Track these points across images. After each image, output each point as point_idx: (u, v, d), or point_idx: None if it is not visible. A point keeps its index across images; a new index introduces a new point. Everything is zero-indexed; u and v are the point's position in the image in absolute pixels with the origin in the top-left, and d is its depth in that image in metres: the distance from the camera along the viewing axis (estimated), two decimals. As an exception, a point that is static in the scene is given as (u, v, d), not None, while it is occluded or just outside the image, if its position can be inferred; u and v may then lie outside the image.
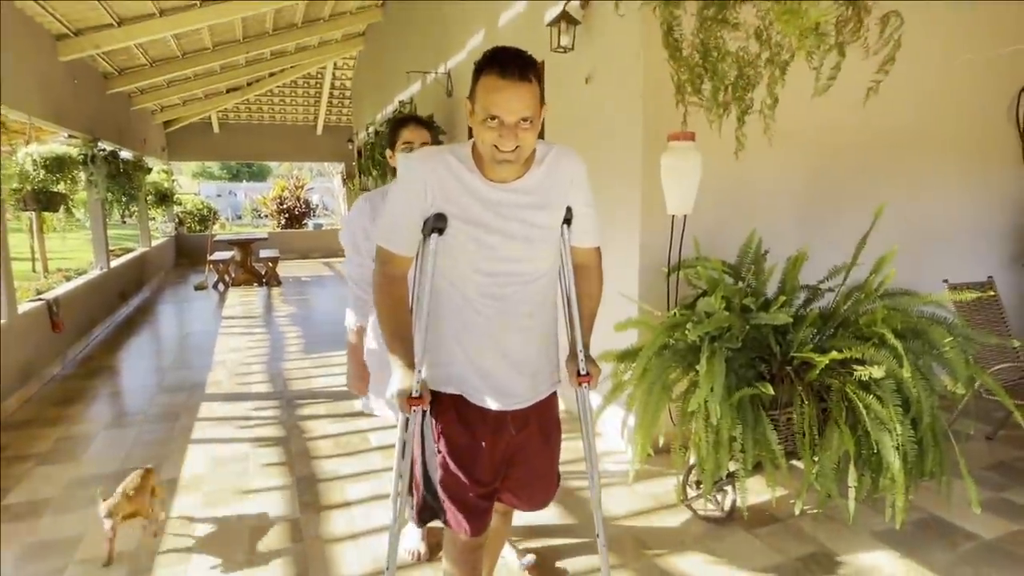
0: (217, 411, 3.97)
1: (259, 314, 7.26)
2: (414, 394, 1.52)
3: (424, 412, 1.59)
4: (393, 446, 3.36)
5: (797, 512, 2.62)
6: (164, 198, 10.08)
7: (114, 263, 7.32)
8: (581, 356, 1.69)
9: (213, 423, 3.77)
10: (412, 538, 2.41)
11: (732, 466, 2.46)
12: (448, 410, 1.59)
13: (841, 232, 2.96)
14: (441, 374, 1.59)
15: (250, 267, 9.54)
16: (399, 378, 1.53)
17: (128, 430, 3.68)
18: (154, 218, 11.64)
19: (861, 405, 2.25)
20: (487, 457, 1.60)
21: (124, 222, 12.71)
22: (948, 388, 2.36)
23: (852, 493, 2.29)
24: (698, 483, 2.67)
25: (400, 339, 1.55)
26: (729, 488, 2.62)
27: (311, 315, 7.26)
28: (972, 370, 2.39)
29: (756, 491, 2.77)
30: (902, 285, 2.59)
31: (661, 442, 2.83)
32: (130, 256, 8.52)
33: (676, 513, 2.70)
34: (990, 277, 3.34)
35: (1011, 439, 3.30)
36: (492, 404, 1.58)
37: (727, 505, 2.63)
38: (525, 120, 1.40)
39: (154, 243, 10.11)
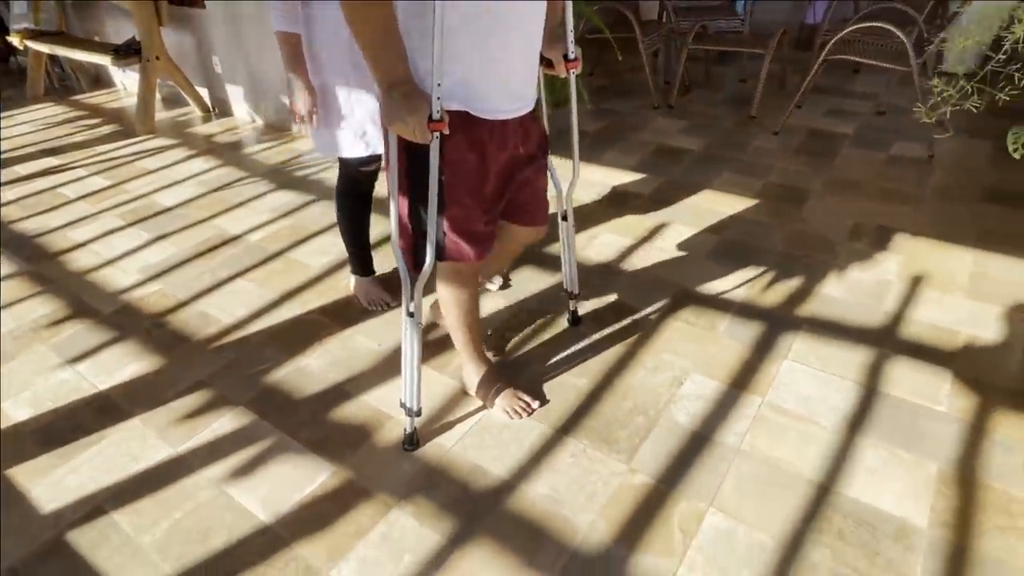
0: None
1: None
2: (435, 116, 1.21)
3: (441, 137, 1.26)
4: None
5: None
6: None
7: None
8: (571, 36, 1.47)
9: None
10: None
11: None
12: (454, 130, 1.27)
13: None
14: (444, 84, 1.22)
15: None
16: (406, 100, 1.18)
17: None
18: None
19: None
20: (493, 179, 1.39)
21: None
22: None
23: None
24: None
25: (396, 42, 1.18)
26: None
27: None
28: (582, 8, 3.24)
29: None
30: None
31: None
32: None
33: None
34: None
35: (607, 73, 4.59)
36: (500, 113, 1.32)
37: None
38: None
39: None
